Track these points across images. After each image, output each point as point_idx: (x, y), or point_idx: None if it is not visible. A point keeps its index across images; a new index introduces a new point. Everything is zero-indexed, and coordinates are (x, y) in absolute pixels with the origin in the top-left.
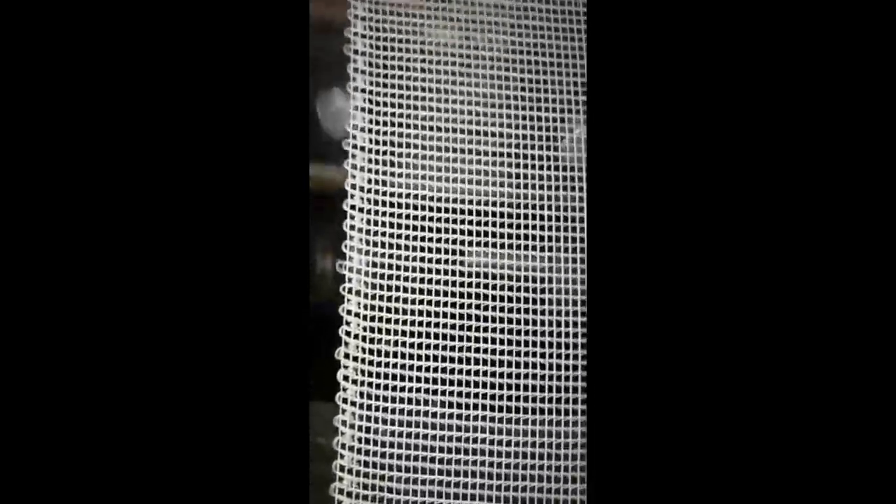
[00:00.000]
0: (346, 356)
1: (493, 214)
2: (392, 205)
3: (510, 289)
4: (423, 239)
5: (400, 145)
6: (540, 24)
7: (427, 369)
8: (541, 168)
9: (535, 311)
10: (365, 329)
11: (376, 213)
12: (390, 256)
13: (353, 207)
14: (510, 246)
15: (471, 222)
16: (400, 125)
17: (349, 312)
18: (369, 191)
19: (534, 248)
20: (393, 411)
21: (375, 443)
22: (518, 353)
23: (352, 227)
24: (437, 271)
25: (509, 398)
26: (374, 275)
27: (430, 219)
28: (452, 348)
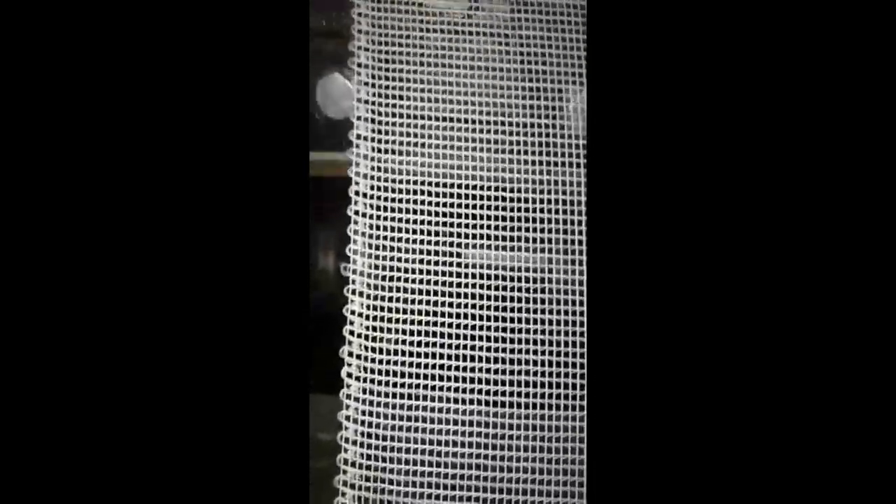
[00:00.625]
0: (350, 339)
1: (493, 199)
2: (394, 191)
3: (509, 279)
4: (424, 223)
5: (401, 124)
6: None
7: (427, 366)
8: (542, 146)
9: (534, 310)
10: (368, 307)
11: (378, 198)
12: (391, 250)
13: (356, 193)
14: (510, 238)
15: (472, 206)
16: (398, 97)
17: (354, 292)
18: (371, 178)
19: (534, 239)
20: (394, 406)
21: (377, 437)
22: (518, 351)
23: (355, 213)
24: (438, 262)
25: (510, 393)
26: (376, 266)
27: (431, 203)
28: (452, 346)
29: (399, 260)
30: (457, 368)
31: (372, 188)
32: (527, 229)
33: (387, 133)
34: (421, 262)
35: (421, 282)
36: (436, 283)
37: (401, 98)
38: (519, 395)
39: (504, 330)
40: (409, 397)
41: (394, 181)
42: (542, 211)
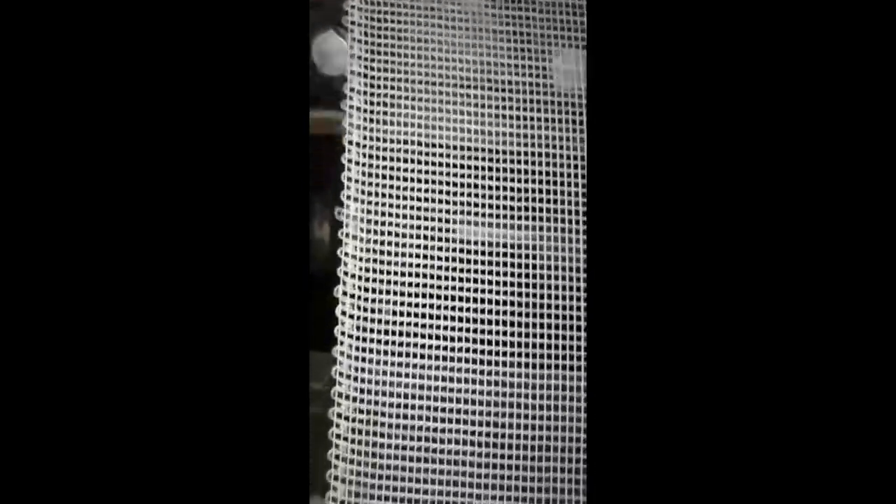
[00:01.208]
0: (343, 300)
1: (490, 160)
2: (387, 150)
3: (509, 246)
4: (418, 191)
5: (394, 88)
6: None
7: (422, 325)
8: (537, 103)
9: (534, 276)
10: (362, 267)
11: (371, 156)
12: (384, 205)
13: (350, 143)
14: (507, 200)
15: (470, 167)
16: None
17: (347, 255)
18: (365, 138)
19: (532, 213)
20: (388, 363)
21: (370, 392)
22: (516, 313)
23: (348, 179)
24: (432, 228)
25: (505, 354)
26: (371, 221)
27: (426, 163)
28: (449, 306)
29: (393, 216)
30: (452, 329)
31: (365, 139)
32: (525, 191)
33: (380, 87)
34: (414, 228)
35: (413, 246)
36: (428, 245)
37: (393, 55)
38: (516, 354)
39: (503, 292)
40: (401, 355)
41: (386, 141)
42: (539, 174)
